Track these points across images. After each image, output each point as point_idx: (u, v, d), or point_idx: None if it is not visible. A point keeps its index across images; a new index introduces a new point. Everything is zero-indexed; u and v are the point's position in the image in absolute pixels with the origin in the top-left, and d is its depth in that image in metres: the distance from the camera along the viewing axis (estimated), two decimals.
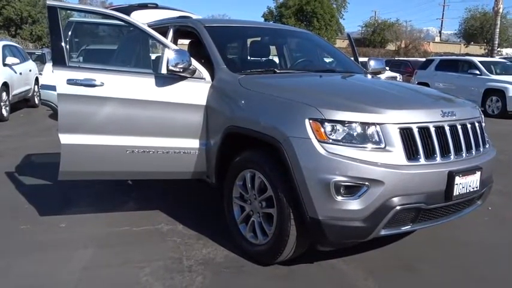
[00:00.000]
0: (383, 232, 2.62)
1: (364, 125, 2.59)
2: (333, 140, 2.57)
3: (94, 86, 3.27)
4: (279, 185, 2.76)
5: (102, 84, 3.28)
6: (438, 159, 2.68)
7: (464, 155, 2.81)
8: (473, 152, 2.88)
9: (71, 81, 3.26)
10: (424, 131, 2.67)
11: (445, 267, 3.07)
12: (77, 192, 4.41)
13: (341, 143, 2.56)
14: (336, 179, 2.52)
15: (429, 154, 2.66)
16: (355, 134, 2.58)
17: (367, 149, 2.57)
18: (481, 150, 2.97)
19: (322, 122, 2.59)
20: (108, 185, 4.55)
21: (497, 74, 11.89)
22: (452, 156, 2.74)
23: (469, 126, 2.91)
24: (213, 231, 3.50)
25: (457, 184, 2.68)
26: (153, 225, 3.67)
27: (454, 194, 2.69)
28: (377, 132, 2.58)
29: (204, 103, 3.38)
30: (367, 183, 2.52)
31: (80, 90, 3.26)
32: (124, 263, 3.02)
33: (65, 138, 3.27)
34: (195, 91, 3.42)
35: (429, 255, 3.20)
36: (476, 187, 2.82)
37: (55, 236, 3.45)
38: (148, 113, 3.35)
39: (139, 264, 3.00)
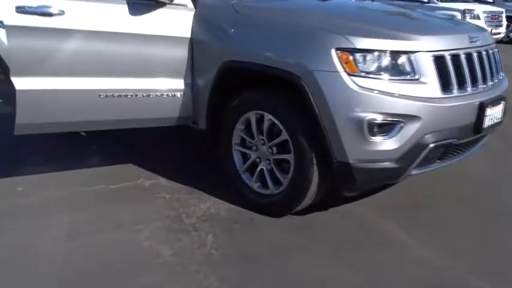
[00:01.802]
0: (414, 172, 2.56)
1: (397, 54, 2.42)
2: (364, 72, 2.39)
3: (51, 15, 2.76)
4: (298, 128, 2.56)
5: (61, 13, 2.78)
6: (469, 89, 2.61)
7: (489, 84, 2.77)
8: (496, 81, 2.85)
9: (21, 9, 2.72)
10: (455, 59, 2.56)
11: (460, 201, 3.11)
12: (27, 148, 3.92)
13: (373, 76, 2.39)
14: (370, 116, 2.36)
15: (460, 85, 2.58)
16: (387, 64, 2.41)
17: (401, 82, 2.42)
18: (500, 78, 2.95)
19: (351, 51, 2.38)
20: (65, 138, 4.07)
21: (444, 1, 12.20)
22: (480, 86, 2.68)
23: (490, 52, 2.85)
24: (204, 183, 3.26)
25: (486, 116, 2.64)
26: (132, 181, 3.34)
27: (483, 127, 2.65)
28: (410, 61, 2.43)
29: (188, 35, 3.02)
30: (403, 119, 2.39)
31: (34, 21, 2.74)
32: (115, 227, 2.72)
33: (20, 83, 2.78)
34: (176, 20, 3.02)
35: (439, 190, 3.23)
36: (500, 118, 2.82)
37: (16, 201, 3.03)
38: (122, 49, 2.93)
39: (134, 227, 2.71)
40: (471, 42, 2.68)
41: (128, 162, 3.64)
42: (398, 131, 2.41)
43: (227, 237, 2.64)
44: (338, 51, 2.39)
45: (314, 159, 2.56)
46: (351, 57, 2.38)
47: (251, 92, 2.81)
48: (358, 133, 2.39)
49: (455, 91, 2.54)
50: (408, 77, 2.44)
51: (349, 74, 2.38)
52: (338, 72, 2.39)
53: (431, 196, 3.16)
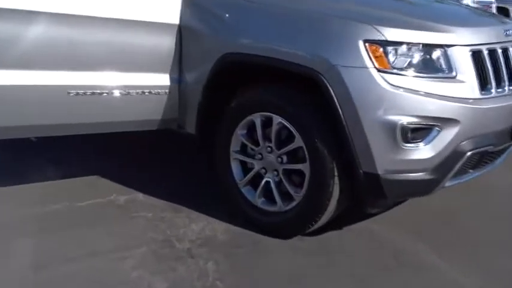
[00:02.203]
0: (447, 184, 2.51)
1: (432, 47, 2.36)
2: (396, 68, 2.32)
3: None
4: (316, 133, 2.45)
5: None
6: (506, 89, 2.59)
7: None
8: None
9: None
10: (492, 55, 2.54)
11: (486, 215, 3.10)
12: None
13: (406, 73, 2.32)
14: (404, 120, 2.29)
15: (498, 83, 2.56)
16: (422, 60, 2.35)
17: (436, 80, 2.36)
18: None
19: (382, 44, 2.30)
20: (12, 145, 3.79)
21: None
22: None
23: None
24: (193, 199, 3.10)
25: None
26: (103, 197, 3.13)
27: None
28: (447, 57, 2.39)
29: (177, 21, 2.87)
30: (439, 123, 2.34)
31: None
32: (91, 254, 2.51)
33: None
34: (161, 3, 2.87)
35: (457, 202, 3.19)
36: None
37: None
38: (97, 36, 2.73)
39: (115, 254, 2.51)
40: (507, 35, 2.67)
41: (95, 173, 3.43)
42: (435, 137, 2.35)
43: (231, 264, 2.49)
44: (367, 44, 2.31)
45: (335, 170, 2.46)
46: (381, 51, 2.31)
47: (256, 90, 2.69)
48: (389, 139, 2.32)
49: (494, 91, 2.51)
50: (444, 74, 2.39)
51: (379, 71, 2.30)
52: (367, 68, 2.30)
53: (451, 210, 3.11)
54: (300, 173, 2.60)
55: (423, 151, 2.35)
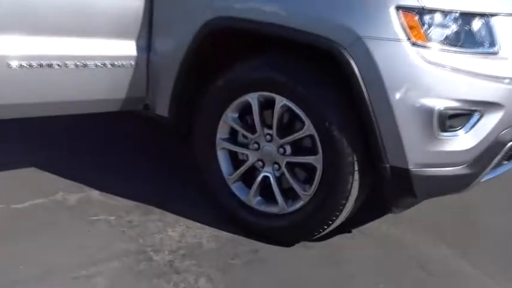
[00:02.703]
0: (484, 178, 2.49)
1: (474, 17, 2.30)
2: (435, 42, 2.23)
3: None
4: (332, 119, 2.34)
5: None
6: None
7: None
8: None
9: None
10: None
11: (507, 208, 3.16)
12: None
13: (446, 47, 2.24)
14: (443, 104, 2.21)
15: None
16: (463, 31, 2.27)
17: (478, 56, 2.30)
18: None
19: (420, 12, 2.21)
20: None
21: None
22: None
23: None
24: (164, 197, 2.96)
25: None
26: (46, 196, 2.89)
27: None
28: (489, 28, 2.33)
29: None
30: (480, 108, 2.29)
31: None
32: (45, 275, 2.27)
33: None
34: None
35: (477, 196, 3.19)
36: None
37: None
38: None
39: (78, 272, 2.28)
40: None
41: (36, 165, 3.19)
42: (475, 125, 2.30)
43: (228, 281, 2.35)
44: (400, 11, 2.20)
45: (355, 164, 2.37)
46: (417, 20, 2.21)
47: (255, 64, 2.54)
48: (424, 127, 2.23)
49: None
50: (485, 49, 2.34)
51: (414, 44, 2.20)
52: (399, 40, 2.19)
53: (470, 206, 3.13)
54: (309, 167, 2.50)
55: (462, 141, 2.29)
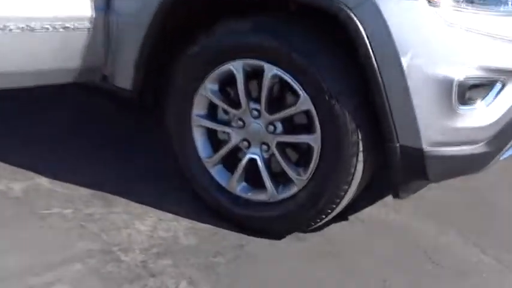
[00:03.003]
0: (502, 157, 2.41)
1: None
2: (455, 1, 2.11)
3: None
4: (333, 91, 2.19)
5: None
6: None
7: None
8: None
9: None
10: None
11: None
12: None
13: (467, 7, 2.12)
14: (464, 73, 2.10)
15: None
16: None
17: (500, 15, 2.21)
18: None
19: None
20: None
21: None
22: None
23: None
24: (128, 184, 2.78)
25: None
26: None
27: None
28: None
29: None
30: (503, 77, 2.19)
31: None
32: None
33: None
34: None
35: (482, 177, 3.11)
36: None
37: None
38: None
39: (35, 278, 2.09)
40: None
41: None
42: (497, 96, 2.20)
43: (213, 283, 2.20)
44: None
45: (360, 144, 2.24)
46: None
47: (240, 26, 2.36)
48: (441, 100, 2.11)
49: None
50: (506, 8, 2.23)
51: (431, 3, 2.07)
52: None
53: (477, 188, 3.03)
54: (304, 148, 2.37)
55: (482, 115, 2.18)
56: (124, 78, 2.62)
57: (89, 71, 2.64)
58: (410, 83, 2.10)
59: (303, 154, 2.39)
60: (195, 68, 2.44)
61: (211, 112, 2.52)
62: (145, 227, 2.49)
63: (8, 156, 2.88)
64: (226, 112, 2.49)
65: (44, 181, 2.75)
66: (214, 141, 2.56)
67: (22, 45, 2.40)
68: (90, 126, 3.44)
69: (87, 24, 2.52)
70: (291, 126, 2.38)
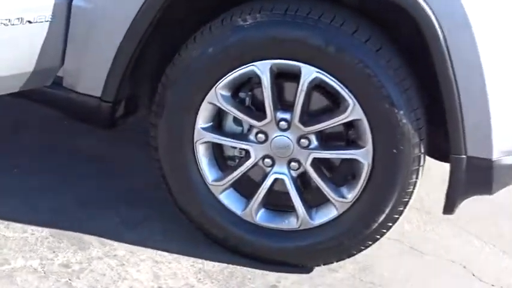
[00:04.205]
0: None
1: None
2: None
3: None
4: (394, 96, 1.82)
5: None
6: None
7: None
8: None
9: None
10: None
11: None
12: None
13: None
14: None
15: None
16: None
17: None
18: None
19: None
20: None
21: None
22: None
23: None
24: (100, 218, 2.22)
25: None
26: None
27: None
28: None
29: None
30: None
31: None
32: None
33: None
34: None
35: None
36: None
37: None
38: None
39: None
40: None
41: None
42: None
43: None
44: None
45: (422, 159, 1.90)
46: None
47: (266, 19, 1.86)
48: None
49: None
50: None
51: None
52: None
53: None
54: (345, 165, 1.99)
55: None
56: (92, 82, 2.02)
57: (40, 74, 1.99)
58: (491, 90, 1.81)
59: (344, 172, 2.00)
60: (204, 71, 1.91)
61: (218, 124, 2.03)
62: (144, 274, 1.95)
63: None
64: (238, 124, 2.02)
65: None
66: (221, 161, 2.08)
67: None
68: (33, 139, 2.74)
69: (45, 15, 1.88)
70: (328, 138, 1.98)
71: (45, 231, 2.07)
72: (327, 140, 1.98)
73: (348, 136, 1.98)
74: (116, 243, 2.07)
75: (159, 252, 2.07)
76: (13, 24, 1.80)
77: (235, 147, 2.04)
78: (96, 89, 2.02)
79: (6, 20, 1.78)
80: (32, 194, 2.30)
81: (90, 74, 2.03)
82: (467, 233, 2.50)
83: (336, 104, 1.93)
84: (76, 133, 2.71)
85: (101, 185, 2.44)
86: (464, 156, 1.88)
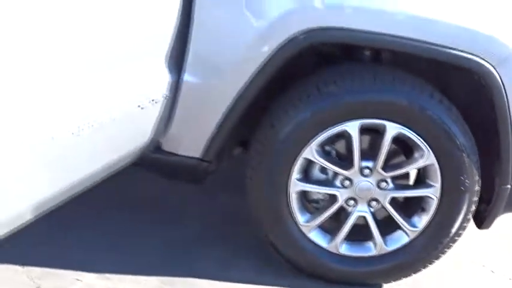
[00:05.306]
0: None
1: None
2: None
3: None
4: (461, 145, 2.18)
5: None
6: None
7: None
8: None
9: None
10: None
11: None
12: None
13: None
14: None
15: None
16: None
17: None
18: None
19: None
20: None
21: None
22: None
23: None
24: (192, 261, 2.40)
25: None
26: None
27: None
28: None
29: None
30: None
31: None
32: None
33: None
34: None
35: None
36: None
37: None
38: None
39: None
40: None
41: None
42: None
43: None
44: None
45: (479, 191, 2.28)
46: None
47: (356, 86, 2.15)
48: None
49: None
50: None
51: None
52: None
53: None
54: (416, 200, 2.33)
55: None
56: (194, 145, 2.21)
57: (151, 144, 2.16)
58: None
59: (414, 205, 2.34)
60: (302, 131, 2.16)
61: (306, 174, 2.29)
62: None
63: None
64: (323, 172, 2.30)
65: (91, 279, 2.21)
66: (305, 202, 2.35)
67: (99, 141, 1.86)
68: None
69: (164, 93, 2.04)
70: (404, 180, 2.32)
71: (154, 280, 2.26)
72: (403, 181, 2.32)
73: (419, 177, 2.33)
74: (222, 284, 2.32)
75: (257, 286, 2.34)
76: (142, 108, 1.95)
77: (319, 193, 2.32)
78: (197, 151, 2.21)
79: (139, 105, 1.94)
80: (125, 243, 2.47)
81: (193, 139, 2.21)
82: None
83: (407, 150, 2.26)
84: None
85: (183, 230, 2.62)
86: (509, 186, 2.29)
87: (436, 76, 2.28)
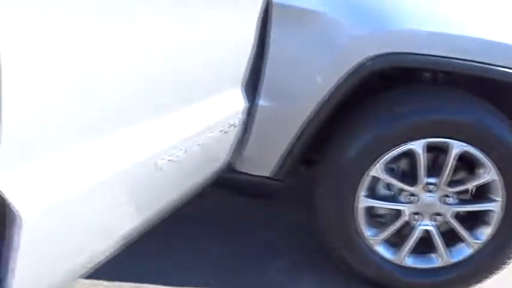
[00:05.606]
0: None
1: None
2: None
3: None
4: None
5: None
6: None
7: None
8: None
9: None
10: None
11: None
12: None
13: None
14: None
15: None
16: None
17: None
18: None
19: None
20: None
21: None
22: None
23: None
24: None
25: None
26: None
27: None
28: None
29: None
30: None
31: None
32: None
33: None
34: None
35: None
36: None
37: None
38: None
39: None
40: None
41: None
42: None
43: None
44: None
45: None
46: None
47: (422, 106, 2.26)
48: None
49: None
50: None
51: None
52: None
53: None
54: (480, 213, 2.41)
55: None
56: (265, 166, 2.33)
57: (226, 166, 2.29)
58: None
59: (477, 219, 2.42)
60: (370, 151, 2.26)
61: (372, 191, 2.38)
62: None
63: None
64: (388, 188, 2.40)
65: None
66: (372, 220, 2.44)
67: (199, 159, 1.99)
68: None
69: (236, 121, 2.17)
70: (465, 195, 2.41)
71: None
72: (466, 196, 2.41)
73: (481, 192, 2.39)
74: None
75: None
76: (225, 132, 2.08)
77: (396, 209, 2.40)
78: (269, 170, 2.33)
79: (221, 129, 2.06)
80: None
81: (266, 159, 2.32)
82: None
83: (470, 166, 2.34)
84: None
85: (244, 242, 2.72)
86: None
87: (489, 94, 2.36)
